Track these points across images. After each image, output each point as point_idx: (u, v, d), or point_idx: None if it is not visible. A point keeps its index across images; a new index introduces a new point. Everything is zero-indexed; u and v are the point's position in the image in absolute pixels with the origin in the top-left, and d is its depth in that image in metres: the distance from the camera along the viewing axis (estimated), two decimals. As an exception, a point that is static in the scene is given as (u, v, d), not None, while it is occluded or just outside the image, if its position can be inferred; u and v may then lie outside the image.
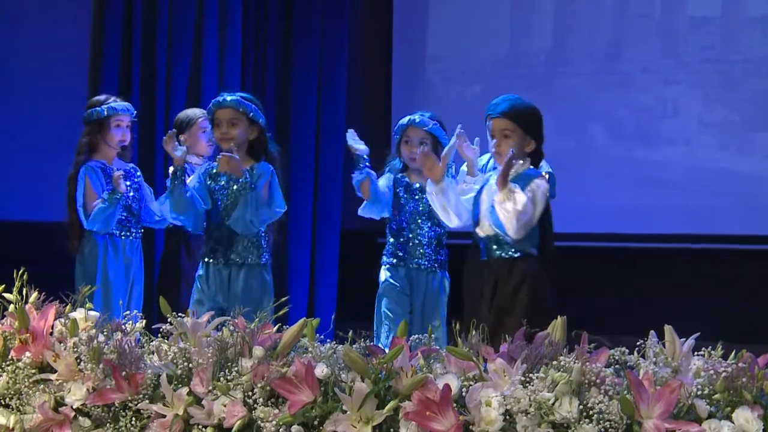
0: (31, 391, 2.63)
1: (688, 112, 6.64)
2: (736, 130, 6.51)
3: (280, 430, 2.30)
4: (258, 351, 2.40)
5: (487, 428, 2.18)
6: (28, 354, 2.67)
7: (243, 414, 2.35)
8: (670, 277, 6.45)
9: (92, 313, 2.81)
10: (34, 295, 2.84)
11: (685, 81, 6.64)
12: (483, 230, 3.86)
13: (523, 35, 7.15)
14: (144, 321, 2.81)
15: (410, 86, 7.46)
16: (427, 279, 4.71)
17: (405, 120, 4.76)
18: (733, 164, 6.49)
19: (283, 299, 2.65)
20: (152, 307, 5.23)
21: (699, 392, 2.20)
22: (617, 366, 2.34)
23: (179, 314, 2.61)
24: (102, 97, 5.13)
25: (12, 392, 2.67)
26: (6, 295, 2.86)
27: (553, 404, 2.17)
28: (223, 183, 4.32)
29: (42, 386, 2.63)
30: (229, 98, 4.32)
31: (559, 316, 2.43)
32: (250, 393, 2.37)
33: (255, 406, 2.36)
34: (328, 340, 2.47)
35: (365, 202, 4.73)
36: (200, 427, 2.41)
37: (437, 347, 2.44)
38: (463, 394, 2.24)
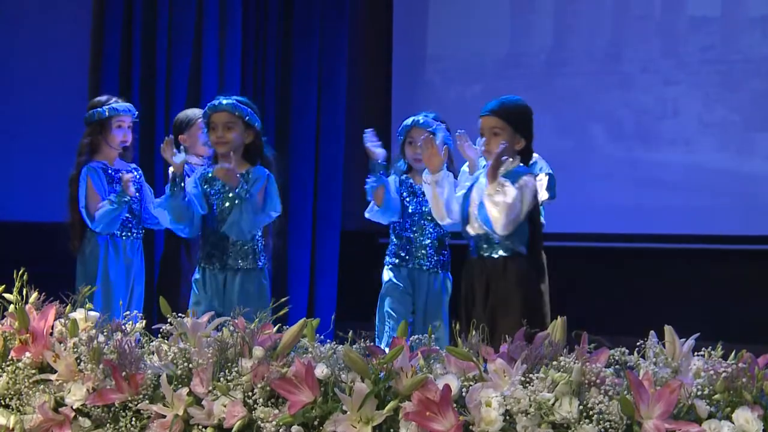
0: (31, 392, 2.63)
1: (688, 113, 6.64)
2: (736, 130, 6.51)
3: (280, 430, 2.30)
4: (258, 351, 2.40)
5: (487, 428, 2.18)
6: (28, 354, 2.67)
7: (243, 414, 2.35)
8: (670, 277, 6.45)
9: (92, 313, 2.81)
10: (34, 295, 2.84)
11: (685, 81, 6.64)
12: (473, 229, 3.87)
13: (523, 35, 7.15)
14: (144, 321, 2.81)
15: (410, 86, 7.46)
16: (429, 279, 4.72)
17: (409, 121, 4.76)
18: (733, 164, 6.49)
19: (283, 299, 2.65)
20: (152, 307, 5.23)
21: (699, 392, 2.20)
22: (617, 366, 2.35)
23: (179, 314, 2.61)
24: (103, 98, 5.13)
25: (12, 392, 2.67)
26: (6, 295, 2.86)
27: (553, 404, 2.17)
28: (218, 187, 4.29)
29: (42, 386, 2.63)
30: (224, 102, 4.30)
31: (559, 317, 2.43)
32: (250, 393, 2.37)
33: (255, 406, 2.36)
34: (328, 341, 2.47)
35: (374, 206, 4.72)
36: (200, 427, 2.41)
37: (437, 347, 2.44)
38: (463, 394, 2.24)
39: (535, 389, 2.19)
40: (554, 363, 2.25)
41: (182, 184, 4.23)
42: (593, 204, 6.76)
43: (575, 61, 6.94)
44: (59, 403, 2.59)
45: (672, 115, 6.72)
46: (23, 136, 6.48)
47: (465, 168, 4.64)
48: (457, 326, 2.41)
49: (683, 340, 2.36)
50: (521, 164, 3.91)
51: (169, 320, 2.60)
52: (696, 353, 2.35)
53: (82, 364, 2.59)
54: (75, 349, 2.61)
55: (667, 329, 2.38)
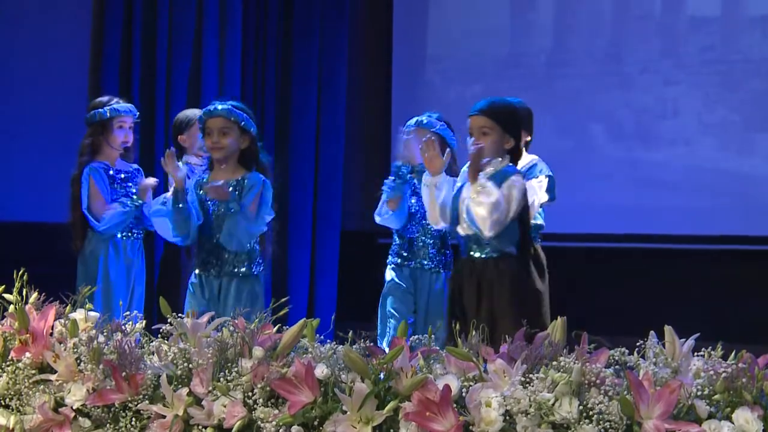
0: (31, 392, 2.63)
1: (688, 113, 6.64)
2: (736, 130, 6.51)
3: (280, 430, 2.30)
4: (258, 351, 2.41)
5: (487, 429, 2.18)
6: (28, 354, 2.67)
7: (243, 414, 2.35)
8: (669, 277, 6.45)
9: (92, 313, 2.81)
10: (34, 295, 2.84)
11: (685, 81, 6.64)
12: (463, 229, 3.87)
13: (523, 35, 7.15)
14: (144, 321, 2.81)
15: (410, 86, 7.46)
16: (431, 279, 4.73)
17: (412, 121, 4.76)
18: (733, 165, 6.49)
19: (283, 299, 2.65)
20: (153, 307, 5.24)
21: (699, 393, 2.20)
22: (617, 366, 2.35)
23: (179, 315, 2.61)
24: (105, 99, 5.13)
25: (12, 393, 2.67)
26: (6, 295, 2.86)
27: (553, 405, 2.17)
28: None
29: (42, 387, 2.63)
30: (220, 107, 4.26)
31: (559, 317, 2.43)
32: (250, 393, 2.37)
33: (255, 406, 2.36)
34: (328, 341, 2.47)
35: (387, 210, 4.71)
36: (200, 427, 2.41)
37: (437, 348, 2.44)
38: (463, 394, 2.24)
39: (535, 389, 2.19)
40: (554, 363, 2.25)
41: (185, 199, 4.19)
42: (593, 204, 6.76)
43: (575, 62, 6.94)
44: (59, 404, 2.59)
45: (672, 115, 6.72)
46: (23, 136, 6.48)
47: (465, 168, 4.64)
48: (457, 326, 2.40)
49: (683, 340, 2.36)
50: (510, 164, 3.91)
51: (169, 320, 2.60)
52: (696, 353, 2.35)
53: (82, 364, 2.59)
54: (75, 350, 2.61)
55: (667, 329, 2.38)
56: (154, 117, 6.24)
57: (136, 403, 2.48)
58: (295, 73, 7.13)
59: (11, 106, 6.50)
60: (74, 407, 2.56)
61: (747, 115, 6.49)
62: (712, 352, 2.33)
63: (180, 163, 5.14)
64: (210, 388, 2.42)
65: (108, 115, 5.02)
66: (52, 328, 2.73)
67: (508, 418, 2.19)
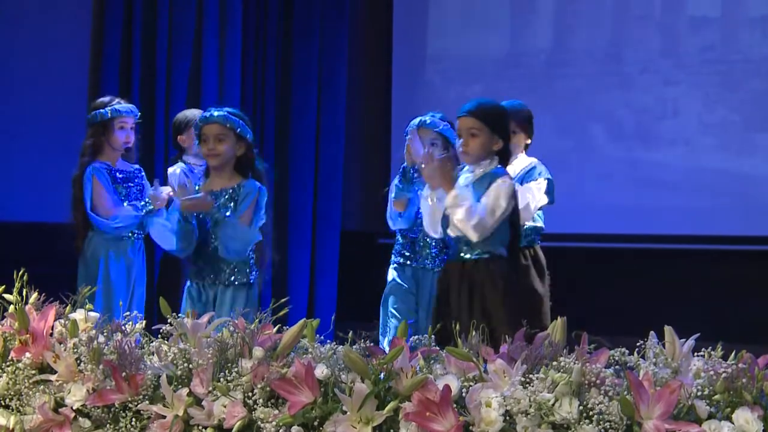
0: (31, 392, 2.63)
1: (688, 113, 6.64)
2: (736, 130, 6.51)
3: (280, 430, 2.30)
4: (258, 352, 2.40)
5: (487, 429, 2.18)
6: (28, 355, 2.67)
7: (243, 415, 2.35)
8: (669, 277, 6.45)
9: (92, 313, 2.81)
10: (34, 295, 2.84)
11: (685, 81, 6.64)
12: (453, 231, 3.88)
13: (523, 35, 7.15)
14: (144, 322, 2.81)
15: (410, 86, 7.46)
16: (432, 279, 4.73)
17: (416, 121, 4.76)
18: (733, 165, 6.49)
19: (283, 300, 2.65)
20: (153, 308, 5.24)
21: (699, 393, 2.20)
22: (617, 367, 2.35)
23: (179, 315, 2.61)
24: (106, 99, 5.13)
25: (12, 393, 2.67)
26: (6, 295, 2.86)
27: (553, 405, 2.17)
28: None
29: (42, 387, 2.63)
30: (216, 113, 4.23)
31: (558, 317, 2.43)
32: (250, 394, 2.37)
33: (255, 406, 2.36)
34: (328, 341, 2.47)
35: (396, 213, 4.71)
36: (200, 427, 2.41)
37: (437, 348, 2.44)
38: (463, 394, 2.24)
39: (535, 390, 2.19)
40: (554, 363, 2.25)
41: (192, 221, 4.15)
42: (593, 204, 6.76)
43: (575, 62, 6.95)
44: (59, 404, 2.59)
45: (672, 115, 6.72)
46: (23, 136, 6.48)
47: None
48: (457, 326, 2.40)
49: (683, 340, 2.36)
50: (499, 165, 3.90)
51: (169, 321, 2.60)
52: (696, 354, 2.35)
53: (82, 364, 2.59)
54: (75, 350, 2.61)
55: (667, 329, 2.38)
56: (154, 117, 6.24)
57: (136, 403, 2.48)
58: (295, 73, 7.13)
59: (11, 106, 6.50)
60: (74, 407, 2.56)
61: (747, 115, 6.49)
62: (712, 353, 2.33)
63: (179, 165, 5.15)
64: (210, 389, 2.42)
65: (109, 115, 5.02)
66: (52, 329, 2.73)
67: (508, 418, 2.19)
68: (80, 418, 2.56)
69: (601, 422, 2.13)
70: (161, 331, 2.63)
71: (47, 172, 6.09)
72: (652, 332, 2.41)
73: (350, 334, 2.42)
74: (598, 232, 6.81)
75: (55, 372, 2.61)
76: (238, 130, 4.22)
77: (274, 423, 2.30)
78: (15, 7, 6.64)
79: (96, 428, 2.54)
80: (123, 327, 2.75)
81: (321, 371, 2.31)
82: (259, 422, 2.34)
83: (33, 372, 2.66)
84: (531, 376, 2.22)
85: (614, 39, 6.90)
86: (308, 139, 7.15)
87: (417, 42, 7.49)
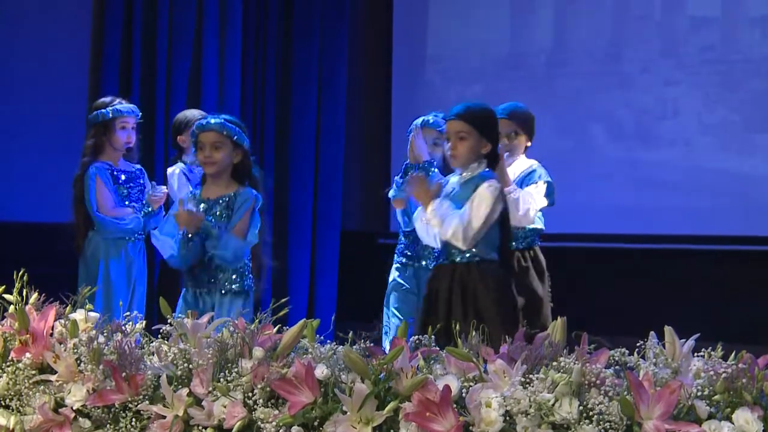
0: (31, 392, 2.63)
1: (688, 113, 6.64)
2: (736, 130, 6.51)
3: (280, 431, 2.30)
4: (258, 352, 2.40)
5: (487, 429, 2.18)
6: (28, 355, 2.67)
7: (243, 415, 2.35)
8: (669, 277, 6.45)
9: (92, 314, 2.81)
10: (35, 296, 2.84)
11: (685, 81, 6.64)
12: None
13: (523, 35, 7.15)
14: (144, 322, 2.81)
15: (410, 86, 7.46)
16: None
17: (419, 121, 4.76)
18: (733, 165, 6.49)
19: (283, 300, 2.65)
20: (153, 308, 5.24)
21: (699, 393, 2.20)
22: (617, 367, 2.34)
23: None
24: (107, 99, 5.14)
25: (12, 393, 2.67)
26: (6, 296, 2.86)
27: (553, 405, 2.16)
28: (204, 209, 4.21)
29: (42, 387, 2.63)
30: (212, 121, 4.22)
31: (559, 317, 2.43)
32: (250, 394, 2.37)
33: (255, 407, 2.36)
34: (328, 341, 2.47)
35: (401, 212, 4.74)
36: (200, 428, 2.41)
37: (437, 348, 2.44)
38: (463, 395, 2.24)
39: (535, 390, 2.19)
40: (554, 364, 2.25)
41: (196, 240, 4.12)
42: (593, 204, 6.76)
43: (575, 61, 6.95)
44: (59, 404, 2.59)
45: (672, 115, 6.72)
46: (23, 136, 6.47)
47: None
48: (458, 327, 2.40)
49: (683, 340, 2.36)
50: (488, 168, 3.90)
51: (169, 321, 2.60)
52: (696, 354, 2.35)
53: (82, 364, 2.59)
54: (75, 350, 2.61)
55: (667, 330, 2.38)
56: (154, 117, 6.25)
57: (136, 403, 2.48)
58: (295, 73, 7.13)
59: (11, 106, 6.49)
60: (74, 408, 2.55)
61: (747, 115, 6.49)
62: (712, 353, 2.33)
63: (178, 166, 5.16)
64: (210, 389, 2.42)
65: (111, 115, 5.03)
66: (53, 329, 2.73)
67: (508, 418, 2.19)
68: (80, 419, 2.56)
69: (601, 422, 2.13)
70: (161, 331, 2.63)
71: (47, 172, 6.09)
72: (652, 332, 2.41)
73: (350, 334, 2.42)
74: (598, 232, 6.81)
75: (55, 372, 2.61)
76: (235, 137, 4.20)
77: (274, 423, 2.30)
78: (15, 7, 6.63)
79: (96, 428, 2.54)
80: (123, 327, 2.74)
81: (321, 371, 2.31)
82: (259, 422, 2.34)
83: (33, 372, 2.66)
84: (531, 376, 2.22)
85: (614, 39, 6.90)
86: (308, 139, 7.16)
87: (417, 42, 7.49)
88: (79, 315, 2.78)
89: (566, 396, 2.16)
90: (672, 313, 4.12)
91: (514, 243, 4.70)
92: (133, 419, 2.47)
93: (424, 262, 4.76)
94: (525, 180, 4.70)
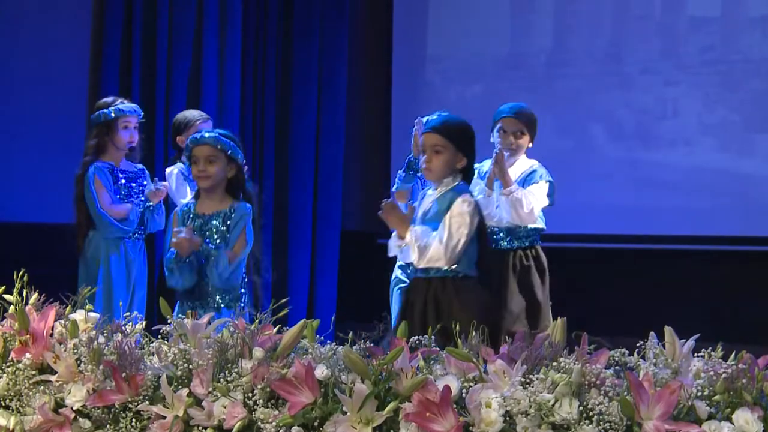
0: (31, 393, 2.63)
1: (688, 113, 6.64)
2: (736, 130, 6.51)
3: (280, 431, 2.30)
4: (258, 352, 2.40)
5: (487, 429, 2.18)
6: (28, 355, 2.67)
7: (243, 415, 2.35)
8: (669, 278, 6.46)
9: (92, 314, 2.81)
10: (35, 296, 2.84)
11: (685, 81, 6.64)
12: None
13: (523, 35, 7.15)
14: (144, 322, 2.81)
15: (410, 86, 7.46)
16: None
17: (423, 119, 4.76)
18: (733, 165, 6.49)
19: (284, 300, 2.65)
20: (153, 308, 5.24)
21: (699, 393, 2.20)
22: (617, 367, 2.34)
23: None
24: (109, 99, 5.15)
25: (12, 393, 2.67)
26: (6, 296, 2.86)
27: (553, 405, 2.17)
28: (199, 224, 4.18)
29: (42, 387, 2.63)
30: (206, 135, 4.20)
31: (559, 318, 2.43)
32: (250, 394, 2.37)
33: (255, 407, 2.36)
34: (328, 341, 2.47)
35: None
36: (200, 428, 2.41)
37: (437, 348, 2.44)
38: (463, 395, 2.24)
39: (535, 390, 2.19)
40: (554, 364, 2.25)
41: (194, 262, 4.09)
42: (593, 204, 6.76)
43: (575, 62, 6.95)
44: (59, 404, 2.59)
45: (672, 115, 6.72)
46: (23, 136, 6.47)
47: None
48: (457, 327, 2.40)
49: (683, 341, 2.36)
50: (462, 181, 3.89)
51: (169, 321, 2.60)
52: (696, 354, 2.35)
53: (82, 365, 2.59)
54: (75, 350, 2.61)
55: (667, 330, 2.38)
56: (154, 117, 6.25)
57: (136, 403, 2.48)
58: (295, 73, 7.13)
59: (11, 106, 6.50)
60: (74, 408, 2.56)
61: (747, 115, 6.49)
62: (712, 353, 2.33)
63: (177, 166, 5.16)
64: (210, 389, 2.42)
65: (113, 115, 5.03)
66: (53, 329, 2.73)
67: (508, 418, 2.19)
68: (80, 419, 2.56)
69: (601, 423, 2.13)
70: (161, 331, 2.63)
71: (47, 172, 6.09)
72: (652, 333, 2.41)
73: (350, 334, 2.42)
74: (598, 233, 6.81)
75: (56, 372, 2.61)
76: (229, 152, 4.17)
77: (274, 423, 2.30)
78: (15, 7, 6.63)
79: (96, 429, 2.54)
80: (123, 327, 2.74)
81: (321, 372, 2.31)
82: (259, 423, 2.34)
83: (33, 372, 2.66)
84: (531, 376, 2.22)
85: (614, 39, 6.90)
86: (308, 139, 7.16)
87: (417, 42, 7.49)
88: (79, 315, 2.78)
89: (566, 396, 2.16)
90: (672, 313, 4.12)
91: (516, 242, 4.72)
92: (133, 419, 2.47)
93: None
94: (526, 180, 4.73)
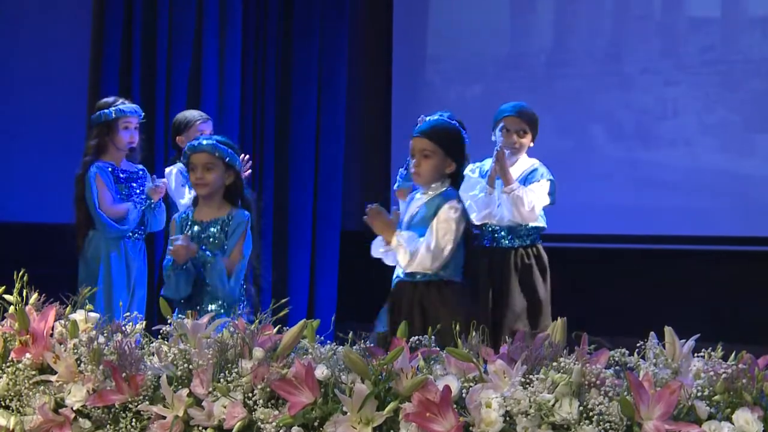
0: (31, 393, 2.63)
1: (688, 113, 6.64)
2: (736, 130, 6.51)
3: (280, 431, 2.30)
4: (258, 352, 2.40)
5: (487, 429, 2.18)
6: (28, 355, 2.66)
7: (243, 415, 2.35)
8: (669, 278, 6.45)
9: (92, 314, 2.81)
10: (35, 296, 2.84)
11: (685, 82, 6.64)
12: None
13: (523, 35, 7.15)
14: (144, 322, 2.81)
15: (410, 86, 7.46)
16: None
17: (426, 119, 4.77)
18: (733, 165, 6.49)
19: (284, 300, 2.65)
20: (153, 308, 5.24)
21: (699, 393, 2.20)
22: (617, 367, 2.34)
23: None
24: (110, 99, 5.15)
25: (12, 394, 2.66)
26: (6, 296, 2.86)
27: (554, 405, 2.17)
28: (197, 231, 4.17)
29: (42, 387, 2.63)
30: (204, 142, 4.19)
31: (559, 318, 2.43)
32: (250, 394, 2.37)
33: (255, 407, 2.36)
34: (329, 342, 2.47)
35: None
36: (200, 428, 2.41)
37: (437, 348, 2.44)
38: (463, 395, 2.24)
39: (535, 390, 2.19)
40: (554, 364, 2.25)
41: (193, 270, 4.07)
42: (593, 204, 6.76)
43: (575, 62, 6.95)
44: (59, 404, 2.59)
45: (672, 115, 6.72)
46: (23, 136, 6.48)
47: (469, 170, 4.67)
48: (457, 327, 2.40)
49: (683, 341, 2.36)
50: (451, 187, 3.88)
51: (169, 321, 2.60)
52: (696, 354, 2.35)
53: (82, 365, 2.59)
54: (75, 350, 2.61)
55: (667, 330, 2.38)
56: (154, 117, 6.25)
57: (136, 403, 2.48)
58: (295, 73, 7.13)
59: (11, 106, 6.50)
60: (74, 408, 2.55)
61: (747, 115, 6.49)
62: (712, 353, 2.33)
63: (176, 166, 5.16)
64: (210, 389, 2.42)
65: (113, 115, 5.03)
66: (53, 329, 2.73)
67: (508, 418, 2.19)
68: (80, 419, 2.56)
69: (601, 423, 2.13)
70: (161, 331, 2.63)
71: (47, 172, 6.09)
72: (652, 333, 2.41)
73: (350, 334, 2.42)
74: (598, 233, 6.81)
75: (56, 372, 2.61)
76: (227, 159, 4.16)
77: (274, 424, 2.30)
78: (15, 7, 6.64)
79: (96, 429, 2.54)
80: (123, 327, 2.74)
81: (321, 372, 2.31)
82: (259, 423, 2.34)
83: (33, 373, 2.66)
84: (531, 376, 2.22)
85: (614, 39, 6.90)
86: (308, 139, 7.16)
87: (417, 42, 7.49)
88: (79, 315, 2.78)
89: (566, 396, 2.16)
90: (672, 313, 4.12)
91: (517, 240, 4.72)
92: (133, 420, 2.47)
93: None
94: (527, 178, 4.75)
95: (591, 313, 4.85)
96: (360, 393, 2.24)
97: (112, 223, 4.96)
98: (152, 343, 2.64)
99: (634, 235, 6.71)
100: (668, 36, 6.74)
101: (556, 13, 7.09)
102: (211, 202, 4.20)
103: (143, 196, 5.07)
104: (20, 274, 2.83)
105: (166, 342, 2.59)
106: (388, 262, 3.97)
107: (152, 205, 5.05)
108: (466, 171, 4.62)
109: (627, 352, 2.39)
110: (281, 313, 2.62)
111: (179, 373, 2.47)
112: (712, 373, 2.22)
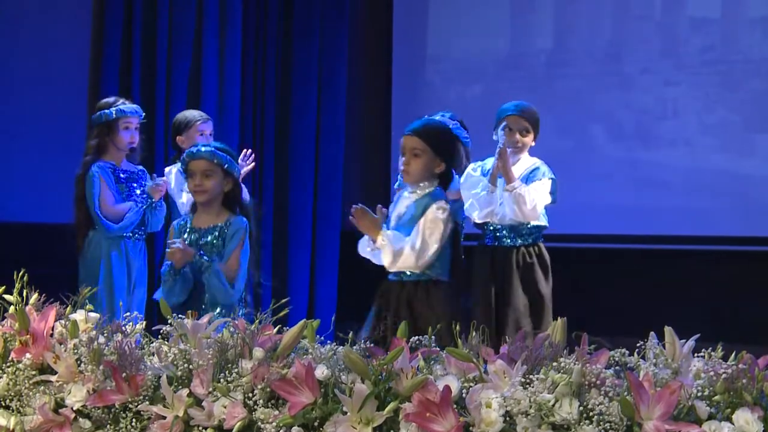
0: (31, 393, 2.63)
1: (688, 113, 6.64)
2: (736, 130, 6.51)
3: (280, 431, 2.30)
4: (258, 352, 2.40)
5: (487, 429, 2.18)
6: (28, 355, 2.66)
7: (243, 415, 2.35)
8: (669, 278, 6.45)
9: (92, 314, 2.81)
10: (35, 296, 2.84)
11: (685, 82, 6.64)
12: None
13: (523, 35, 7.15)
14: (144, 322, 2.81)
15: (410, 86, 7.46)
16: None
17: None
18: (733, 165, 6.49)
19: (284, 300, 2.65)
20: (153, 308, 5.24)
21: (699, 393, 2.20)
22: (617, 367, 2.34)
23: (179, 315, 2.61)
24: (111, 99, 5.15)
25: (12, 394, 2.66)
26: (6, 296, 2.85)
27: (554, 405, 2.16)
28: (195, 237, 4.16)
29: (42, 388, 2.63)
30: (203, 149, 4.18)
31: (559, 318, 2.43)
32: (250, 394, 2.37)
33: (255, 407, 2.36)
34: (329, 342, 2.47)
35: None
36: (200, 428, 2.41)
37: (437, 348, 2.44)
38: (463, 395, 2.24)
39: (535, 390, 2.19)
40: (554, 364, 2.25)
41: (190, 275, 4.06)
42: (593, 204, 6.76)
43: (575, 62, 6.95)
44: (59, 404, 2.59)
45: (672, 115, 6.72)
46: (23, 136, 6.48)
47: (470, 169, 4.68)
48: (457, 327, 2.40)
49: (683, 341, 2.36)
50: (439, 187, 3.88)
51: (169, 321, 2.60)
52: (696, 354, 2.35)
53: (82, 365, 2.59)
54: (75, 351, 2.61)
55: (667, 330, 2.38)
56: (154, 117, 6.25)
57: (136, 404, 2.48)
58: (295, 73, 7.13)
59: (11, 106, 6.50)
60: (74, 408, 2.55)
61: (747, 116, 6.49)
62: (713, 353, 2.33)
63: (176, 166, 5.16)
64: (210, 389, 2.42)
65: (114, 116, 5.04)
66: (53, 329, 2.73)
67: (508, 419, 2.19)
68: (80, 419, 2.56)
69: (601, 423, 2.13)
70: (161, 331, 2.63)
71: (47, 172, 6.09)
72: (652, 333, 2.40)
73: (350, 334, 2.42)
74: (598, 233, 6.81)
75: (56, 373, 2.61)
76: (226, 165, 4.15)
77: (274, 424, 2.30)
78: (15, 7, 6.64)
79: (96, 429, 2.54)
80: (123, 327, 2.74)
81: (321, 372, 2.31)
82: (260, 423, 2.34)
83: (33, 373, 2.66)
84: (531, 376, 2.22)
85: (614, 39, 6.90)
86: (308, 139, 7.16)
87: (417, 42, 7.49)
88: (79, 315, 2.78)
89: (566, 396, 2.16)
90: (672, 313, 4.12)
91: (519, 239, 4.72)
92: (134, 420, 2.47)
93: None
94: (529, 177, 4.75)
95: (591, 313, 4.85)
96: (360, 393, 2.24)
97: (111, 224, 4.96)
98: (152, 343, 2.64)
99: (634, 235, 6.71)
100: (668, 36, 6.74)
101: (556, 13, 7.09)
102: (209, 209, 4.18)
103: (144, 196, 5.07)
104: (20, 274, 2.83)
105: (166, 342, 2.59)
106: (376, 261, 3.97)
107: (153, 204, 5.05)
108: (468, 169, 4.63)
109: (627, 352, 2.39)
110: (281, 313, 2.62)
111: (179, 373, 2.47)
112: (712, 373, 2.22)
